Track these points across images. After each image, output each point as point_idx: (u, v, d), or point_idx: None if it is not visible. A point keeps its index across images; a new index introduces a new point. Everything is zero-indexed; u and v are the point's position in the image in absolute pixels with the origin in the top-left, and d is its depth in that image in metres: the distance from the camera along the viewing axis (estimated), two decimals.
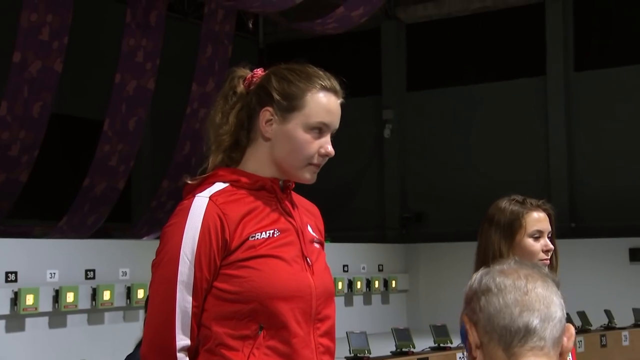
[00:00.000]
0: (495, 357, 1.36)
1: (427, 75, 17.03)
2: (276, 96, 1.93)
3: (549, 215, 2.60)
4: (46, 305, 10.86)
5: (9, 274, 10.63)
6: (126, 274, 12.08)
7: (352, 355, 7.37)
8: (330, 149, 1.98)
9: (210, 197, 1.94)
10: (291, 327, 1.91)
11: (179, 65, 15.07)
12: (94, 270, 11.65)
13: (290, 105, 1.93)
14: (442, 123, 16.60)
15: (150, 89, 12.71)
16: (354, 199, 16.93)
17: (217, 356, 1.88)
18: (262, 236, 1.93)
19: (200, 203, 1.93)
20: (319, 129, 1.95)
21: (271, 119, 1.94)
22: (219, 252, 1.90)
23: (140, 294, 11.54)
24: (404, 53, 17.28)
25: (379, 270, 15.25)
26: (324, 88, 1.96)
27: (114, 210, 12.91)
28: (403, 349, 7.87)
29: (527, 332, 1.34)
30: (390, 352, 7.87)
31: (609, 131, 15.20)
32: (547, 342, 1.34)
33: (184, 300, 1.87)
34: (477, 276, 1.46)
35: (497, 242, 2.57)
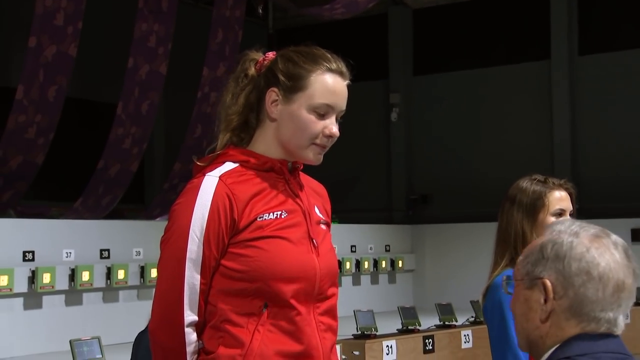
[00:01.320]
0: (565, 328, 1.35)
1: (433, 59, 17.21)
2: (281, 77, 1.94)
3: (570, 194, 2.62)
4: (62, 284, 11.14)
5: (27, 253, 10.92)
6: (140, 253, 12.36)
7: (360, 332, 7.46)
8: (334, 130, 1.98)
9: (220, 177, 1.95)
10: (295, 305, 1.93)
11: (190, 50, 15.29)
12: (108, 250, 11.93)
13: (294, 85, 1.93)
14: (448, 107, 16.79)
15: (162, 73, 12.93)
16: (362, 181, 17.17)
17: (222, 332, 1.91)
18: (269, 217, 1.95)
19: (210, 182, 1.94)
20: (323, 110, 1.94)
21: (276, 100, 1.95)
22: (227, 231, 1.91)
23: (154, 273, 11.83)
24: (410, 38, 17.46)
25: (386, 250, 15.50)
26: (329, 70, 1.95)
27: (127, 191, 13.17)
28: (409, 327, 7.96)
29: (611, 324, 1.37)
30: (397, 329, 7.95)
31: (613, 114, 15.37)
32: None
33: (192, 277, 1.89)
34: (565, 237, 1.37)
35: (519, 221, 2.55)
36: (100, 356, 5.67)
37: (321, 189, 2.21)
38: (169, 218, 2.03)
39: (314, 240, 2.01)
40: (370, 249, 15.04)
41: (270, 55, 2.02)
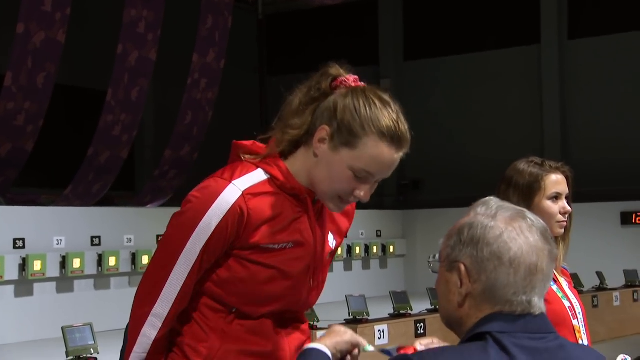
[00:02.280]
0: (482, 311, 1.36)
1: (424, 45, 17.20)
2: (338, 121, 1.85)
3: (566, 178, 2.56)
4: (53, 271, 11.13)
5: (17, 241, 10.90)
6: (131, 240, 12.35)
7: (351, 317, 7.49)
8: (363, 195, 1.86)
9: (244, 192, 1.89)
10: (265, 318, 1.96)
11: (179, 36, 15.22)
12: (99, 237, 11.91)
13: (344, 139, 1.84)
14: (438, 91, 16.80)
15: (152, 59, 12.87)
16: None
17: (190, 320, 1.93)
18: (273, 247, 1.91)
19: (231, 194, 1.88)
20: (362, 174, 1.85)
21: (324, 139, 1.87)
22: (229, 243, 1.89)
23: (145, 260, 11.82)
24: (400, 23, 17.43)
25: (377, 235, 15.53)
26: (385, 136, 1.84)
27: (118, 179, 13.14)
28: (401, 311, 7.98)
29: (525, 306, 1.35)
30: (389, 314, 7.99)
31: (602, 97, 15.41)
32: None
33: (178, 274, 1.88)
34: (482, 219, 1.39)
35: (515, 203, 2.51)
36: (93, 342, 5.67)
37: (350, 206, 2.09)
38: (183, 205, 1.96)
39: (313, 279, 1.99)
40: (362, 234, 15.06)
41: (350, 81, 1.92)
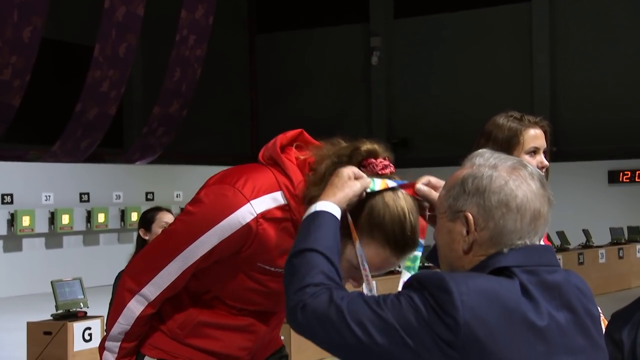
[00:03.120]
0: (485, 253, 1.40)
1: (414, 2, 17.07)
2: (359, 217, 1.76)
3: (545, 132, 2.56)
4: (42, 227, 11.14)
5: (5, 196, 10.88)
6: (120, 197, 12.36)
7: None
8: (356, 283, 1.82)
9: (258, 216, 1.86)
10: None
11: None
12: (88, 194, 11.91)
13: (350, 234, 1.77)
14: (428, 50, 16.72)
15: (139, 15, 12.74)
16: (342, 125, 17.14)
17: (176, 298, 1.97)
18: (270, 269, 1.92)
19: (246, 214, 1.86)
20: (357, 268, 1.79)
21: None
22: (232, 253, 1.91)
23: (134, 217, 11.84)
24: None
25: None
26: (389, 245, 1.76)
27: (106, 135, 13.09)
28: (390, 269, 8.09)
29: (532, 248, 1.40)
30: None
31: (592, 56, 15.39)
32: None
33: (172, 270, 1.90)
34: (485, 170, 1.43)
35: None
36: (82, 297, 5.69)
37: None
38: (194, 201, 1.93)
39: None
40: None
41: (378, 167, 1.82)
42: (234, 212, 1.85)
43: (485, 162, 1.46)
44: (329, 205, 1.60)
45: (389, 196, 1.77)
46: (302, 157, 1.94)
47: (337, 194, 1.65)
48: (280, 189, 1.90)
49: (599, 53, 15.33)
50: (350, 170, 1.71)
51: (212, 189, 1.91)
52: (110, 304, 4.43)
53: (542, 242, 1.47)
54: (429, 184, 1.75)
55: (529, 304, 1.35)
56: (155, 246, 1.97)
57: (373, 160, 1.84)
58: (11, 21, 11.05)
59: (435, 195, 1.71)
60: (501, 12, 16.16)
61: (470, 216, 1.41)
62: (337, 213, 1.60)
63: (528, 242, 1.41)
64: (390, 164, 1.84)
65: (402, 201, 1.76)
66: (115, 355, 1.98)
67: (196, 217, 1.89)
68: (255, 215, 1.86)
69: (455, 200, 1.44)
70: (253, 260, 1.91)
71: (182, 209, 2.03)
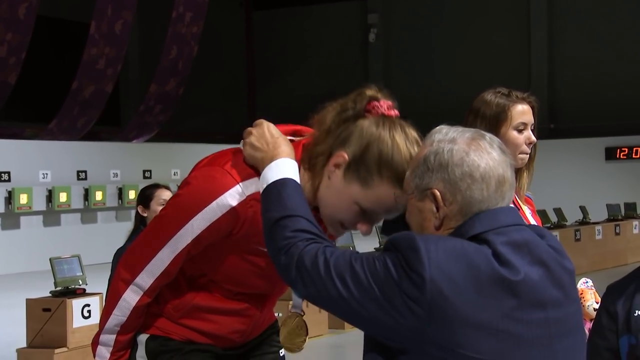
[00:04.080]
0: (455, 225, 1.42)
1: None
2: (359, 155, 1.78)
3: (532, 108, 2.55)
4: (40, 205, 11.14)
5: (2, 174, 10.87)
6: (117, 175, 12.35)
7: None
8: (364, 230, 1.81)
9: (247, 197, 1.84)
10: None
11: None
12: (85, 172, 11.90)
13: (359, 175, 1.78)
14: (426, 27, 16.66)
15: None
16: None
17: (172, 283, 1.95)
18: (262, 249, 1.83)
19: (235, 196, 1.83)
20: (367, 211, 1.81)
21: (340, 166, 1.80)
22: (223, 237, 1.89)
23: (132, 195, 11.84)
24: None
25: None
26: (398, 182, 1.74)
27: (103, 113, 13.05)
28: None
29: (498, 210, 1.43)
30: (374, 248, 8.11)
31: (590, 33, 15.35)
32: None
33: (164, 256, 1.89)
34: (445, 145, 1.45)
35: None
36: (81, 274, 5.71)
37: None
38: (182, 185, 1.91)
39: None
40: None
41: (383, 107, 1.83)
42: (222, 193, 1.83)
43: (444, 137, 1.48)
44: (290, 168, 1.67)
45: (396, 134, 1.78)
46: (296, 140, 1.90)
47: (282, 147, 1.71)
48: None
49: (596, 30, 15.29)
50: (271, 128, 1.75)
51: (201, 172, 1.89)
52: (109, 281, 4.45)
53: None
54: None
55: (500, 266, 1.36)
56: (147, 233, 1.95)
57: (377, 102, 1.84)
58: None
59: None
60: None
61: (437, 192, 1.43)
62: (295, 174, 1.66)
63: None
64: (394, 108, 1.85)
65: (411, 137, 1.77)
66: (111, 348, 1.93)
67: (185, 200, 1.88)
68: (246, 197, 1.84)
69: (421, 179, 1.46)
70: (247, 242, 1.88)
71: (179, 187, 2.00)
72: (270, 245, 1.54)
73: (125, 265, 1.92)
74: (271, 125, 1.78)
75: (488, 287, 1.35)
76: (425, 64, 16.62)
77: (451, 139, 1.46)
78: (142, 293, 1.91)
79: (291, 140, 1.89)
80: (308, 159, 1.85)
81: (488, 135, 1.48)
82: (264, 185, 1.64)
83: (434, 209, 1.43)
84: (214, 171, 1.86)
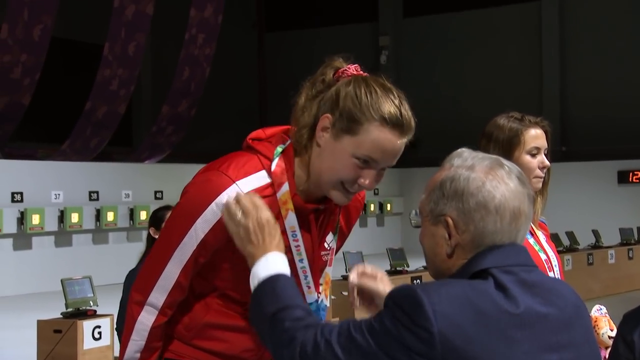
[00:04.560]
0: (468, 257, 1.40)
1: (423, 1, 17.05)
2: (340, 109, 1.84)
3: (545, 132, 2.55)
4: (52, 225, 11.17)
5: (15, 195, 10.91)
6: (129, 196, 12.38)
7: (348, 273, 7.57)
8: (367, 182, 1.84)
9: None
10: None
11: None
12: (97, 192, 11.93)
13: (347, 126, 1.82)
14: (437, 49, 16.70)
15: (149, 14, 12.76)
16: None
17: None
18: None
19: (232, 196, 1.81)
20: (365, 161, 1.84)
21: (327, 128, 1.85)
22: (226, 239, 1.85)
23: (143, 215, 11.86)
24: None
25: (375, 194, 15.57)
26: (387, 122, 1.81)
27: (115, 134, 13.12)
28: (397, 268, 8.02)
29: (510, 248, 1.41)
30: (385, 270, 8.05)
31: (602, 56, 15.34)
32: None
33: (172, 268, 1.88)
34: (462, 172, 1.43)
35: None
36: (92, 295, 5.71)
37: (355, 201, 2.05)
38: (182, 194, 1.92)
39: (311, 276, 1.97)
40: None
41: (352, 69, 1.91)
42: (220, 194, 1.84)
43: (462, 162, 1.46)
44: (281, 262, 1.62)
45: (369, 80, 1.87)
46: (286, 145, 1.94)
47: (272, 240, 1.66)
48: (264, 168, 1.91)
49: (608, 52, 15.28)
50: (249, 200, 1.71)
51: (198, 178, 1.91)
52: (121, 303, 4.45)
53: (523, 240, 1.47)
54: (365, 274, 1.72)
55: (503, 296, 1.34)
56: (154, 250, 1.94)
57: (344, 68, 1.90)
58: (22, 20, 11.09)
59: (372, 285, 1.73)
60: (510, 11, 16.12)
61: (450, 220, 1.41)
62: (286, 268, 1.62)
63: (507, 242, 1.41)
64: (362, 70, 1.91)
65: (384, 83, 1.85)
66: None
67: (185, 207, 1.89)
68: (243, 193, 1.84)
69: (436, 204, 1.44)
70: None
71: (180, 197, 2.01)
72: (269, 340, 1.51)
73: (136, 288, 1.91)
74: (260, 209, 1.71)
75: (498, 331, 1.32)
76: (436, 86, 16.64)
77: (469, 166, 1.44)
78: (157, 312, 1.89)
79: (283, 140, 1.94)
80: (296, 143, 1.89)
81: (508, 164, 1.45)
82: (256, 283, 1.60)
83: (447, 235, 1.42)
84: (209, 175, 1.88)
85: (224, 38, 14.69)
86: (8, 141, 12.19)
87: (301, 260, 1.93)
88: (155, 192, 12.89)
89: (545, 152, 2.54)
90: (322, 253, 2.01)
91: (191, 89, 14.06)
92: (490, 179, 1.42)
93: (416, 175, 15.84)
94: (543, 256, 2.50)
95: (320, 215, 1.97)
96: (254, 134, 2.01)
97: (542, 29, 15.81)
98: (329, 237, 2.02)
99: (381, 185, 15.58)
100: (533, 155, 2.50)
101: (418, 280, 7.98)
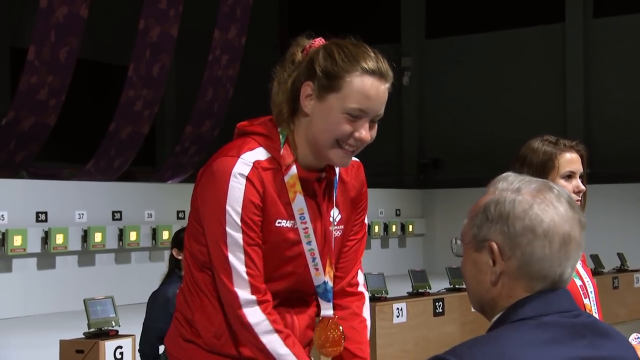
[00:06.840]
0: (515, 288, 1.33)
1: (446, 22, 17.07)
2: (318, 72, 1.87)
3: (581, 156, 2.53)
4: (75, 245, 11.23)
5: (40, 214, 11.00)
6: (152, 215, 12.43)
7: (370, 295, 7.51)
8: (364, 134, 1.89)
9: (254, 164, 1.90)
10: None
11: (201, 12, 15.20)
12: (120, 212, 12.00)
13: (329, 84, 1.86)
14: (460, 70, 16.69)
15: (173, 35, 12.88)
16: (372, 145, 16.98)
17: (202, 297, 1.96)
18: (284, 223, 1.92)
19: (243, 167, 1.87)
20: (355, 114, 1.86)
21: (311, 94, 1.89)
22: (260, 210, 1.89)
23: (165, 235, 11.90)
24: (422, 0, 17.30)
25: (397, 215, 15.51)
26: (366, 71, 1.86)
27: (139, 154, 13.20)
28: (419, 290, 7.95)
29: (557, 281, 1.33)
30: (407, 292, 7.98)
31: (627, 78, 15.25)
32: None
33: (236, 252, 1.87)
34: (508, 195, 1.35)
35: None
36: (114, 315, 5.71)
37: (351, 168, 2.09)
38: (197, 198, 1.93)
39: (321, 255, 1.99)
40: (381, 213, 15.06)
41: (318, 42, 1.95)
42: (231, 171, 1.87)
43: (508, 186, 1.38)
44: None
45: (339, 41, 1.92)
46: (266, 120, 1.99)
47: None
48: (260, 146, 1.94)
49: (632, 74, 15.18)
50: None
51: (204, 178, 1.93)
52: (144, 323, 4.45)
53: (573, 270, 1.38)
54: None
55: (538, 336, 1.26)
56: (211, 256, 1.92)
57: (310, 42, 1.95)
58: (48, 42, 11.23)
59: None
60: (534, 32, 16.09)
61: (495, 245, 1.33)
62: None
63: (559, 271, 1.33)
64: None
65: (354, 41, 1.92)
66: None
67: (208, 203, 1.88)
68: (251, 163, 1.88)
69: (479, 229, 1.36)
70: (270, 219, 1.90)
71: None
72: None
73: (225, 301, 1.89)
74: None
75: None
76: (459, 107, 16.61)
77: (515, 189, 1.36)
78: (254, 298, 1.88)
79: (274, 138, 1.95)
80: (277, 121, 1.94)
81: (557, 188, 1.38)
82: None
83: (491, 262, 1.34)
84: (212, 167, 1.91)
85: (247, 59, 14.79)
86: (33, 161, 12.30)
87: (309, 243, 1.95)
88: (178, 212, 12.94)
89: (581, 176, 2.51)
90: (332, 228, 2.01)
91: (214, 110, 14.14)
92: (539, 202, 1.34)
93: (438, 197, 15.79)
94: (578, 282, 2.46)
95: (322, 183, 1.99)
96: (242, 123, 2.05)
97: (565, 50, 15.75)
98: (334, 212, 2.02)
99: (403, 206, 15.54)
100: (568, 179, 2.47)
101: (440, 303, 7.91)
